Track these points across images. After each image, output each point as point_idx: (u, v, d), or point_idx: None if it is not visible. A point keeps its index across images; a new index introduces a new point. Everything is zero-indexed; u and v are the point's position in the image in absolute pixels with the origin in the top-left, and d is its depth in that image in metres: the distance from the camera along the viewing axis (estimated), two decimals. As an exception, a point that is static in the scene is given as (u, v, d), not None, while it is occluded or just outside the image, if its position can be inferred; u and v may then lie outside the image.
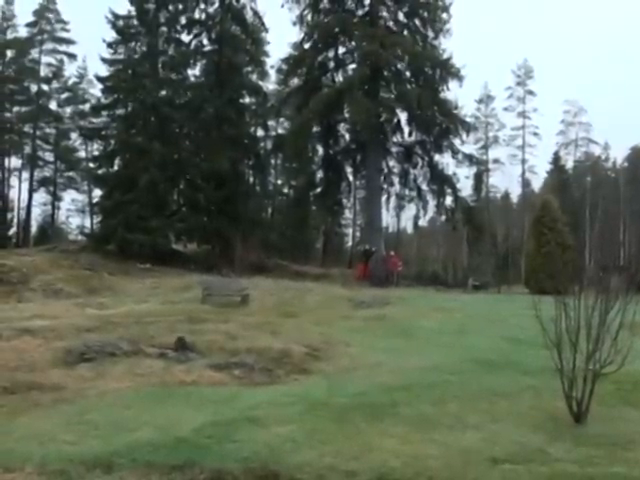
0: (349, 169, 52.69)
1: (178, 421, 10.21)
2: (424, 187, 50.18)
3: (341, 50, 49.79)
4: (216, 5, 48.35)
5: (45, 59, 64.45)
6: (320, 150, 52.22)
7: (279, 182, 66.42)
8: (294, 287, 31.80)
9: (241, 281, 29.66)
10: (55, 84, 65.55)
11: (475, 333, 19.71)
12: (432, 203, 50.39)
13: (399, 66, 47.61)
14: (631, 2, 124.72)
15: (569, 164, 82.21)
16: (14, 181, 65.81)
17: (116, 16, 44.70)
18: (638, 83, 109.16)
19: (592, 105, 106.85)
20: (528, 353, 14.90)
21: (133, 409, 11.28)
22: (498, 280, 57.99)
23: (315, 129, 48.59)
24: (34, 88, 63.49)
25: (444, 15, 47.58)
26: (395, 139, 50.62)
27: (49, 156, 66.09)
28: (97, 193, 52.97)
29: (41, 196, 67.65)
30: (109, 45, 45.14)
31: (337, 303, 27.30)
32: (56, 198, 68.04)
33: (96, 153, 53.54)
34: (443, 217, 53.99)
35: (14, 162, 65.37)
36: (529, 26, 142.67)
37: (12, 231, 66.19)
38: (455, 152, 48.74)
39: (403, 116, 48.94)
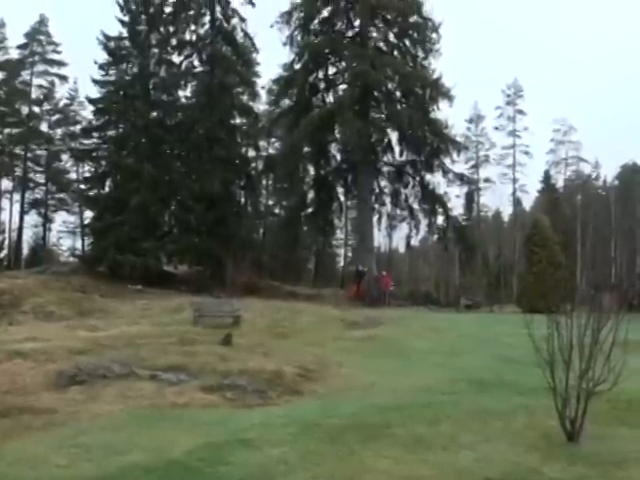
0: (340, 189, 52.91)
1: (170, 443, 10.16)
2: (415, 207, 50.41)
3: (331, 71, 50.15)
4: (207, 26, 48.49)
5: (36, 81, 64.71)
6: (311, 170, 52.46)
7: (270, 202, 66.36)
8: (286, 308, 31.80)
9: (233, 302, 29.55)
10: (46, 106, 65.67)
11: (468, 353, 19.73)
12: (424, 222, 50.64)
13: (389, 86, 47.86)
14: (619, 23, 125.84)
15: (560, 183, 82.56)
16: (5, 203, 65.90)
17: (107, 37, 44.78)
18: (627, 101, 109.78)
19: (582, 124, 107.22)
20: (521, 372, 14.90)
21: (125, 432, 11.23)
22: (490, 299, 57.94)
23: (306, 149, 48.73)
24: (25, 110, 63.59)
25: (434, 35, 47.96)
26: (386, 159, 50.91)
27: (40, 178, 66.05)
28: (88, 215, 52.86)
29: (32, 218, 67.62)
30: (100, 67, 45.18)
31: (329, 324, 27.31)
32: (47, 220, 67.93)
33: (87, 175, 53.52)
34: (435, 236, 54.29)
35: (5, 184, 65.47)
36: (518, 46, 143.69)
37: (3, 253, 66.18)
38: (446, 171, 48.97)
39: (394, 136, 49.31)
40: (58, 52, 65.58)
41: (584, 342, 9.64)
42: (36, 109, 64.85)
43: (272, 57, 55.94)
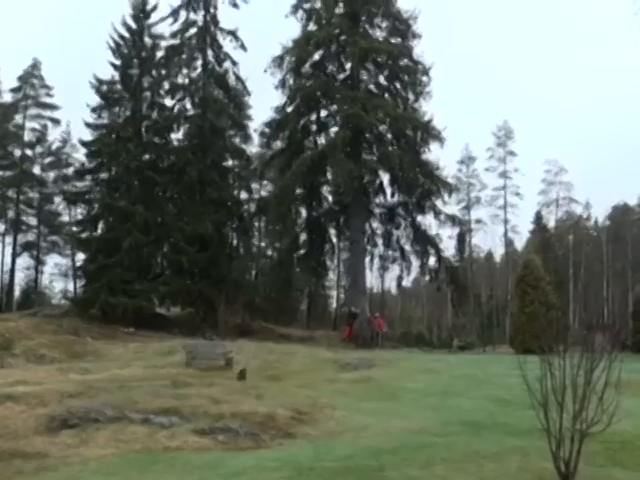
0: (332, 231, 53.14)
1: (163, 488, 10.08)
2: (407, 248, 50.67)
3: (323, 113, 50.59)
4: (199, 70, 48.99)
5: (29, 124, 64.88)
6: (303, 212, 52.68)
7: (263, 244, 66.55)
8: (279, 350, 31.70)
9: (225, 344, 29.50)
10: (39, 149, 65.80)
11: (461, 394, 19.64)
12: (415, 264, 50.93)
13: (381, 128, 48.22)
14: (609, 65, 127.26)
15: (551, 223, 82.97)
16: (-3, 245, 65.69)
17: (100, 81, 45.14)
18: (618, 143, 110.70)
19: (573, 165, 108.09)
20: (514, 414, 14.86)
21: (117, 476, 11.14)
22: (483, 340, 57.94)
23: (298, 191, 48.97)
24: (18, 153, 63.70)
25: (424, 78, 48.52)
26: (378, 200, 51.27)
27: (32, 220, 66.08)
28: (80, 257, 52.88)
29: (24, 260, 67.52)
30: (93, 110, 45.51)
31: (322, 366, 27.21)
32: (39, 262, 67.88)
33: (79, 217, 53.58)
34: (427, 277, 54.39)
35: (-3, 226, 65.33)
36: (509, 87, 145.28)
37: (-5, 296, 65.88)
38: (437, 213, 49.21)
39: (385, 178, 49.69)
40: (51, 95, 66.00)
41: (577, 383, 9.64)
42: (29, 152, 64.97)
43: (264, 100, 56.34)
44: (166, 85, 48.19)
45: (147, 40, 46.32)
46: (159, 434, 14.51)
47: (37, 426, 14.91)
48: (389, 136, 49.07)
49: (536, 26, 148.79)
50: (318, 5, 49.26)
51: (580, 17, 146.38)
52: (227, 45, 49.31)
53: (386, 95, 49.68)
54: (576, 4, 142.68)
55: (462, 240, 73.64)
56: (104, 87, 45.47)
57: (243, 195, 57.27)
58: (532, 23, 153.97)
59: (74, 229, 53.99)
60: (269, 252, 66.20)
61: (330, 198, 52.21)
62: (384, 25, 49.73)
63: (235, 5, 49.26)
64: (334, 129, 49.49)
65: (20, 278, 69.07)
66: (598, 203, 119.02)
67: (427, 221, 50.04)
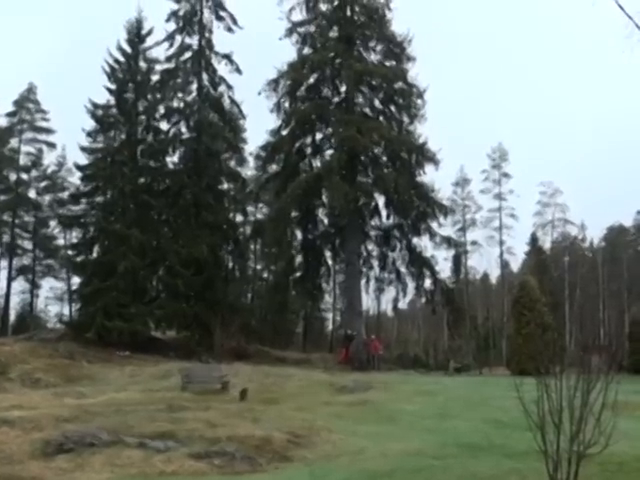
0: (328, 253, 53.07)
1: (159, 512, 10.03)
2: (403, 270, 50.57)
3: (318, 136, 50.64)
4: (194, 94, 49.13)
5: (25, 148, 64.76)
6: (299, 235, 52.60)
7: (259, 267, 66.42)
8: (275, 373, 31.66)
9: (221, 367, 29.48)
10: (34, 173, 65.66)
11: (458, 416, 19.61)
12: (411, 285, 50.81)
13: (376, 151, 48.30)
14: (603, 86, 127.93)
15: (546, 244, 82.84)
16: (-8, 269, 65.52)
17: (95, 105, 45.21)
18: (613, 164, 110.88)
19: (568, 186, 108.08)
20: (511, 436, 14.82)
21: (113, 501, 11.08)
22: (479, 362, 57.76)
23: (294, 214, 48.96)
24: (13, 177, 63.61)
25: (419, 101, 48.62)
26: (373, 223, 51.26)
27: (28, 244, 65.92)
28: (76, 281, 52.67)
29: (20, 284, 67.23)
30: (88, 134, 45.53)
31: (319, 388, 27.18)
32: (35, 286, 67.61)
33: (75, 241, 53.48)
34: (423, 299, 54.30)
35: (-8, 250, 65.18)
36: (504, 109, 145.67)
37: (-10, 320, 65.62)
38: (433, 235, 49.20)
39: (381, 200, 49.68)
40: (46, 120, 65.92)
41: (574, 404, 9.61)
42: (24, 176, 64.87)
43: (259, 123, 56.43)
44: (161, 109, 48.39)
45: (142, 64, 46.49)
46: (155, 458, 14.45)
47: (33, 451, 14.85)
48: (384, 159, 49.18)
49: (531, 48, 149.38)
50: (313, 29, 49.50)
51: (576, 39, 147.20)
52: (222, 69, 49.65)
53: (381, 118, 49.86)
54: (572, 26, 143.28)
55: (458, 262, 73.61)
56: (99, 111, 45.54)
57: (238, 218, 57.34)
58: (527, 45, 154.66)
59: (69, 253, 53.90)
60: (265, 275, 66.05)
61: (326, 221, 52.20)
62: (379, 48, 49.98)
63: (230, 29, 49.51)
64: (329, 152, 49.63)
65: (15, 302, 68.87)
66: (593, 224, 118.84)
67: (422, 243, 50.09)
